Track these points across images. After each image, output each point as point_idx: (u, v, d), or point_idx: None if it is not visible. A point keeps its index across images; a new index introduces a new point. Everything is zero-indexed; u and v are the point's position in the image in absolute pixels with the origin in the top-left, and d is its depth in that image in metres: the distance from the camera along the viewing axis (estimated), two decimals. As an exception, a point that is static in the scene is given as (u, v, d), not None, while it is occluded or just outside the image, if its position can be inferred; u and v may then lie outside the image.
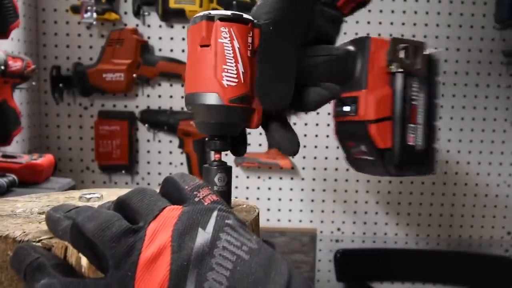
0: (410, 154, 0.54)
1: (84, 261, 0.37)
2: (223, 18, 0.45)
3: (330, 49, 0.54)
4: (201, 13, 0.46)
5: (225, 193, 0.48)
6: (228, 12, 0.46)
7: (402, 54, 0.53)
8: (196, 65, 0.46)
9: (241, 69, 0.45)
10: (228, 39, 0.45)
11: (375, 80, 0.53)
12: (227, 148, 0.49)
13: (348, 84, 0.54)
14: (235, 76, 0.45)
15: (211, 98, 0.45)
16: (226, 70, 0.45)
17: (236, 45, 0.45)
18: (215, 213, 0.35)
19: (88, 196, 0.50)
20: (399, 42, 0.53)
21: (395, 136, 0.53)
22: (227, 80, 0.45)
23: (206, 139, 0.49)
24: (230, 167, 0.49)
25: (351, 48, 0.55)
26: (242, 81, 0.46)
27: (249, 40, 0.46)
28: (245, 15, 0.46)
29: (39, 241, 0.38)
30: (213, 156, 0.49)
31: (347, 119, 0.55)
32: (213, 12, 0.46)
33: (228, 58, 0.45)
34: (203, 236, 0.33)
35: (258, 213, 0.49)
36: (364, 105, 0.53)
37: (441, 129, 1.75)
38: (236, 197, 0.52)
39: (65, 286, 0.34)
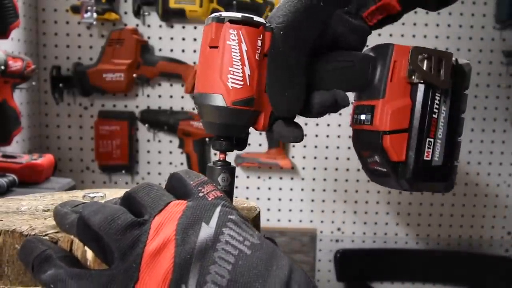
0: (425, 169, 0.52)
1: (89, 254, 0.37)
2: (232, 21, 0.45)
3: (349, 55, 0.53)
4: (213, 14, 0.47)
5: (228, 193, 0.48)
6: (239, 15, 0.46)
7: (425, 64, 0.51)
8: (205, 65, 0.47)
9: (247, 72, 0.46)
10: (236, 41, 0.45)
11: (394, 89, 0.51)
12: (232, 149, 0.49)
13: (367, 92, 0.53)
14: (241, 78, 0.45)
15: (216, 99, 0.46)
16: (232, 72, 0.45)
17: (244, 47, 0.45)
18: (218, 209, 0.35)
19: (91, 195, 0.50)
20: (421, 51, 0.51)
21: (409, 149, 0.51)
22: (232, 82, 0.45)
23: (207, 139, 0.49)
24: (234, 168, 0.49)
25: (371, 54, 0.53)
26: (248, 84, 0.46)
27: (259, 43, 0.46)
28: (256, 18, 0.46)
29: (45, 235, 0.39)
30: (217, 156, 0.50)
31: (363, 128, 0.54)
32: (224, 14, 0.46)
33: (234, 61, 0.45)
34: (206, 231, 0.34)
35: (259, 213, 0.49)
36: (380, 115, 0.51)
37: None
38: (236, 197, 0.52)
39: (71, 276, 0.34)
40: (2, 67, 1.21)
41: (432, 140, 0.52)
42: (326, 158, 1.77)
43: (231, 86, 0.45)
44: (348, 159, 1.76)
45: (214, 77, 0.45)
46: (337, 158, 1.77)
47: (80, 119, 1.72)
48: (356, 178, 1.78)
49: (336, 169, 1.78)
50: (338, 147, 1.76)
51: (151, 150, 1.75)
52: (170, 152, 1.75)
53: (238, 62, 0.45)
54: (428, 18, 1.72)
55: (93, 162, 1.73)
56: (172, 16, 1.66)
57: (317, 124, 1.75)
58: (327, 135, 1.75)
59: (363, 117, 0.53)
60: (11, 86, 1.29)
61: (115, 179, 1.75)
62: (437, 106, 0.52)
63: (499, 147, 1.78)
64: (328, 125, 1.75)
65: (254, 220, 0.47)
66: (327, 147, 1.76)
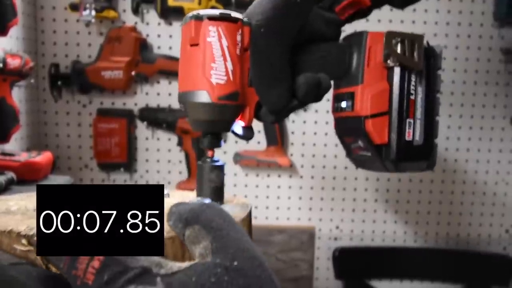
0: (407, 149, 0.54)
1: None
2: (211, 17, 0.46)
3: (326, 45, 0.54)
4: (191, 13, 0.47)
5: (219, 190, 0.49)
6: (217, 11, 0.46)
7: (398, 48, 0.53)
8: (187, 64, 0.47)
9: (229, 67, 0.46)
10: (216, 38, 0.46)
11: (371, 75, 0.53)
12: (219, 145, 0.50)
13: (345, 79, 0.54)
14: (224, 74, 0.46)
15: (201, 96, 0.46)
16: (214, 68, 0.46)
17: (225, 43, 0.46)
18: None
19: None
20: (394, 35, 0.53)
21: (391, 131, 0.53)
22: (216, 78, 0.46)
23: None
24: (223, 164, 0.50)
25: (347, 43, 0.55)
26: (231, 79, 0.46)
27: (238, 38, 0.47)
28: (233, 14, 0.47)
29: None
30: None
31: (344, 115, 0.55)
32: (201, 12, 0.47)
33: (216, 57, 0.46)
34: None
35: (251, 209, 0.49)
36: (360, 101, 0.53)
37: (439, 127, 1.75)
38: (235, 195, 0.52)
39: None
40: (1, 65, 1.20)
41: (411, 120, 0.54)
42: (324, 156, 1.77)
43: (215, 82, 0.46)
44: (346, 157, 1.75)
45: (197, 74, 0.46)
46: (335, 156, 1.77)
47: (79, 116, 1.72)
48: (355, 176, 1.78)
49: (335, 167, 1.78)
50: (336, 145, 1.76)
51: (150, 148, 1.75)
52: (169, 150, 1.75)
53: (220, 58, 0.46)
54: (427, 16, 1.72)
55: (91, 160, 1.73)
56: (170, 14, 1.66)
57: (315, 122, 1.75)
58: (326, 133, 1.75)
59: (343, 104, 0.55)
60: (10, 84, 1.28)
61: (113, 177, 1.75)
62: (413, 88, 0.54)
63: (498, 145, 1.78)
64: (327, 123, 1.75)
65: (246, 217, 0.47)
66: (325, 145, 1.76)
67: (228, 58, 0.46)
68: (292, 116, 1.74)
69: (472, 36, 1.73)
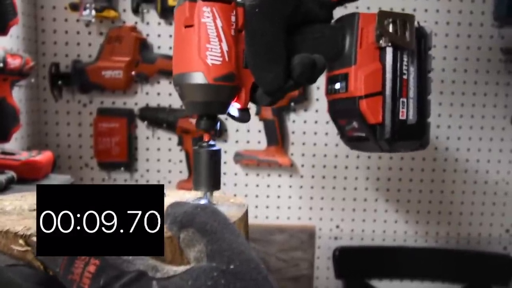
0: (401, 129, 0.54)
1: None
2: None
3: (320, 27, 0.54)
4: None
5: (215, 175, 0.48)
6: None
7: (390, 28, 0.53)
8: (182, 45, 0.47)
9: (225, 48, 0.46)
10: (211, 18, 0.45)
11: (364, 55, 0.53)
12: (215, 127, 0.49)
13: (339, 61, 0.55)
14: (219, 54, 0.46)
15: (197, 77, 0.46)
16: (210, 49, 0.45)
17: (219, 24, 0.46)
18: None
19: None
20: (386, 15, 0.53)
21: (385, 111, 0.53)
22: (211, 59, 0.45)
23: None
24: (219, 149, 0.49)
25: (340, 25, 0.55)
26: (227, 60, 0.46)
27: (233, 19, 0.47)
28: None
29: None
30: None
31: (338, 97, 0.56)
32: None
33: (211, 37, 0.45)
34: None
35: (247, 209, 0.49)
36: (354, 81, 0.53)
37: (439, 127, 1.76)
38: (235, 195, 0.52)
39: None
40: (1, 64, 1.20)
41: (405, 100, 0.54)
42: (325, 155, 1.77)
43: (211, 63, 0.45)
44: (347, 156, 1.76)
45: (193, 56, 0.46)
46: (336, 156, 1.77)
47: (79, 116, 1.72)
48: (355, 175, 1.78)
49: (335, 167, 1.78)
50: (337, 145, 1.76)
51: (150, 147, 1.75)
52: (169, 150, 1.75)
53: (215, 38, 0.45)
54: (427, 16, 1.72)
55: (92, 159, 1.73)
56: (171, 14, 1.65)
57: (316, 122, 1.75)
58: (326, 133, 1.75)
59: (337, 86, 0.55)
60: (10, 84, 1.28)
61: (114, 176, 1.75)
62: (405, 67, 0.54)
63: (498, 145, 1.78)
64: (327, 122, 1.75)
65: (242, 217, 0.47)
66: (326, 144, 1.76)
67: (223, 39, 0.46)
68: (292, 115, 1.74)
69: (472, 36, 1.73)
